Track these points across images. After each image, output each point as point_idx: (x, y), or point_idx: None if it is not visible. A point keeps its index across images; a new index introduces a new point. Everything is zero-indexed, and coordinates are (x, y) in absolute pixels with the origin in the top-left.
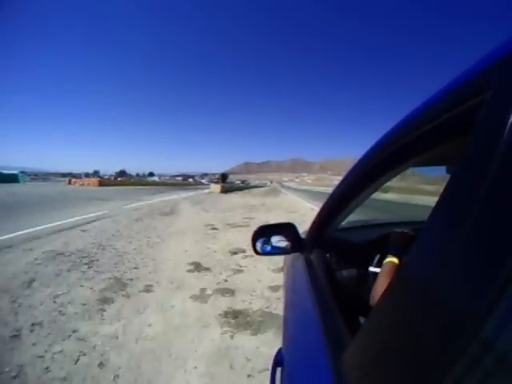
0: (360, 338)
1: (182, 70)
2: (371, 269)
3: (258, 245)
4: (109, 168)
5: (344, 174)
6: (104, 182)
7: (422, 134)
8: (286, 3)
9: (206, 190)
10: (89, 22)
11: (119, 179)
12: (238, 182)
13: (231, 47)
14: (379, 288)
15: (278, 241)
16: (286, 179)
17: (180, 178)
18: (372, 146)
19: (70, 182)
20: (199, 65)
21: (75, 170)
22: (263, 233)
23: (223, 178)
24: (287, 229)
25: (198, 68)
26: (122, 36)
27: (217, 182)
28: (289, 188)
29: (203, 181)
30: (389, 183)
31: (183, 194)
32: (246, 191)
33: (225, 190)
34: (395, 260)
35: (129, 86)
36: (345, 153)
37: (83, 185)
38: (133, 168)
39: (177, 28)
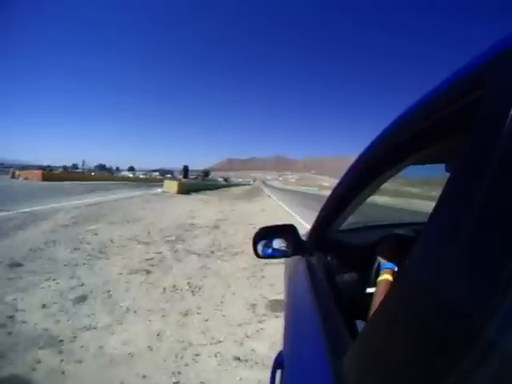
0: (361, 342)
1: (171, 65)
2: (368, 290)
3: (259, 247)
4: (94, 161)
5: (328, 172)
6: (50, 175)
7: (421, 131)
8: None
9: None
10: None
11: (96, 173)
12: (221, 179)
13: (216, 42)
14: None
15: (279, 243)
16: (269, 177)
17: (157, 174)
18: (370, 143)
19: (13, 175)
20: (186, 60)
21: (57, 163)
22: (264, 235)
23: (185, 172)
24: (288, 231)
25: (184, 63)
26: (110, 33)
27: (195, 178)
28: (273, 188)
29: (181, 177)
30: (389, 186)
31: (120, 195)
32: (217, 191)
33: (184, 190)
34: (389, 277)
35: (116, 79)
36: (329, 151)
37: (27, 178)
38: (118, 162)
39: (160, 22)
